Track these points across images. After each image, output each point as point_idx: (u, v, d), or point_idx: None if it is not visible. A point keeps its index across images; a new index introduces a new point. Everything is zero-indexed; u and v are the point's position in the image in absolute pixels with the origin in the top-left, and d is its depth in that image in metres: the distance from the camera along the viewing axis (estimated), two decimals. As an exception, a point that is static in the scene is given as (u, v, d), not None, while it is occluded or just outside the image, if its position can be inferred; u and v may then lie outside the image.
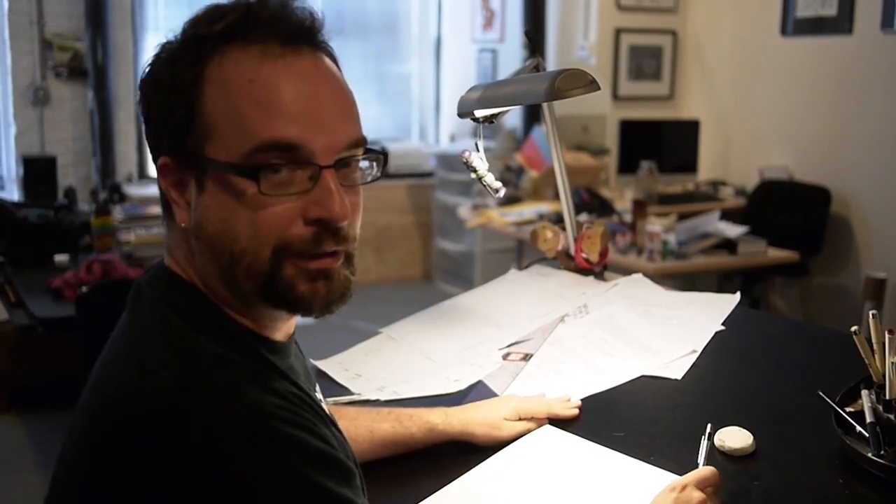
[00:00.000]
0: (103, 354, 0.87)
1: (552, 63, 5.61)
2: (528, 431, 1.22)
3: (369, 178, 0.89)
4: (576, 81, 1.30)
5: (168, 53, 0.84)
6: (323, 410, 0.87)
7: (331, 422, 0.88)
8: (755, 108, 5.31)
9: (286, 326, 0.90)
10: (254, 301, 0.84)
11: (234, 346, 0.83)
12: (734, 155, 5.49)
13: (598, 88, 1.30)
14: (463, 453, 1.20)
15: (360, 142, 0.86)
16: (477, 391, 1.38)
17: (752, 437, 1.13)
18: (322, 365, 1.52)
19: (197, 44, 0.82)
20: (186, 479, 0.73)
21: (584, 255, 1.78)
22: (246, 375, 0.80)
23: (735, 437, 1.13)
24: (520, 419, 1.23)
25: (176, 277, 0.87)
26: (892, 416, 1.06)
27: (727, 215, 4.30)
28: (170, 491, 0.73)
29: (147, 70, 0.86)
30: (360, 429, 1.19)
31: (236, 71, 0.81)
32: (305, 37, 0.84)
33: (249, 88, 0.81)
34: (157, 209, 3.71)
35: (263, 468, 0.74)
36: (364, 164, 0.88)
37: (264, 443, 0.75)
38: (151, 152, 0.87)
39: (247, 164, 0.80)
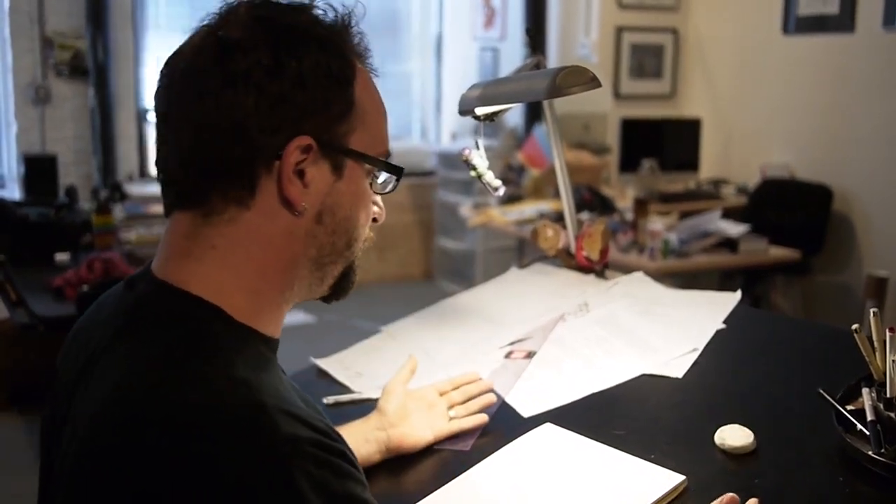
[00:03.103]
0: (107, 364, 0.80)
1: (553, 61, 5.61)
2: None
3: None
4: (576, 78, 1.29)
5: (316, 42, 0.83)
6: (338, 434, 0.82)
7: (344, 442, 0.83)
8: (757, 107, 5.30)
9: None
10: (326, 285, 0.90)
11: (261, 362, 0.81)
12: (735, 153, 5.48)
13: (599, 86, 1.30)
14: (464, 451, 1.19)
15: None
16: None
17: (752, 436, 1.13)
18: (322, 363, 1.52)
19: (343, 42, 0.87)
20: None
21: (584, 254, 1.77)
22: (278, 401, 0.76)
23: (736, 436, 1.13)
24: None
25: (191, 296, 0.82)
26: (892, 415, 1.06)
27: (728, 214, 4.30)
28: None
29: (288, 44, 0.81)
30: None
31: (367, 73, 0.89)
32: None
33: (377, 93, 0.90)
34: (157, 208, 3.71)
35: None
36: None
37: (293, 478, 0.71)
38: (264, 128, 0.80)
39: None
